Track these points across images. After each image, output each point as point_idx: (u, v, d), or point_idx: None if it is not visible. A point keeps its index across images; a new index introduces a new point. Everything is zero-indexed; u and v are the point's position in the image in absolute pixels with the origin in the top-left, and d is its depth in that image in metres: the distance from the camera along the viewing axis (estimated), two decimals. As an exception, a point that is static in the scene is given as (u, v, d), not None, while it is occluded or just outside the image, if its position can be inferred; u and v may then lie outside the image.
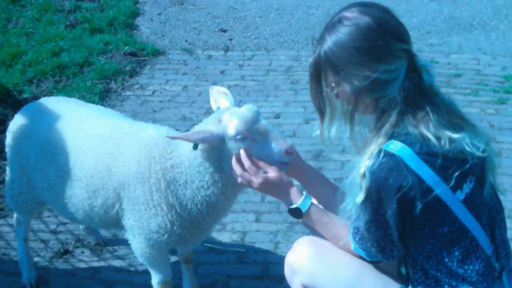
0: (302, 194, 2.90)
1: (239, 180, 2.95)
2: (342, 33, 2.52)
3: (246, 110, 2.97)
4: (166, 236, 3.28)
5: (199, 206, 3.18)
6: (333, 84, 2.59)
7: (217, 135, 2.96)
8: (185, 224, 3.27)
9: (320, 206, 3.03)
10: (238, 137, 2.91)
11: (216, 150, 3.01)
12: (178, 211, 3.23)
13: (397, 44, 2.50)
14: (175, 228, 3.26)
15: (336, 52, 2.52)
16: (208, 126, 3.02)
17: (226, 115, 2.98)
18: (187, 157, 3.13)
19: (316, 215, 2.87)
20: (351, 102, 2.62)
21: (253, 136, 2.92)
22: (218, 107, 3.16)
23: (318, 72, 2.62)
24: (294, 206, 2.89)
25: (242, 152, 2.93)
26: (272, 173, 2.90)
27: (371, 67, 2.48)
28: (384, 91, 2.50)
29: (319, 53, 2.59)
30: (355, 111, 2.65)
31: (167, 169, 3.19)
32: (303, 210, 2.86)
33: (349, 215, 2.64)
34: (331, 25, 2.57)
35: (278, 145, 2.91)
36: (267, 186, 2.92)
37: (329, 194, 3.02)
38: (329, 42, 2.54)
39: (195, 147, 3.05)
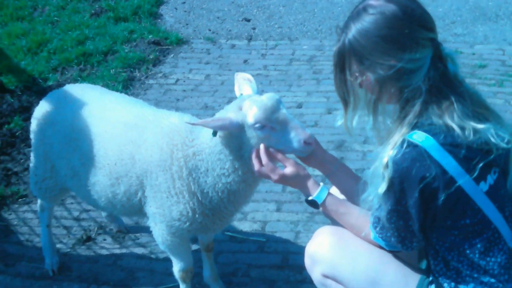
0: (319, 185, 2.91)
1: (257, 174, 2.99)
2: (367, 21, 2.49)
3: (267, 98, 2.97)
4: (187, 223, 3.30)
5: (220, 193, 3.18)
6: (357, 74, 2.58)
7: (236, 123, 2.96)
8: (206, 212, 3.28)
9: (342, 196, 3.03)
10: (257, 125, 2.91)
11: (236, 138, 3.01)
12: (200, 198, 3.23)
13: (422, 32, 2.48)
14: (197, 216, 3.27)
15: (360, 40, 2.50)
16: (228, 113, 3.02)
17: (247, 102, 2.98)
18: (207, 144, 3.14)
19: (333, 206, 2.89)
20: (375, 92, 2.60)
21: (272, 125, 2.91)
22: (241, 94, 3.16)
23: (342, 61, 2.60)
24: (310, 198, 2.91)
25: (261, 146, 2.94)
26: (289, 168, 2.92)
27: (396, 56, 2.46)
28: (408, 80, 2.47)
29: (343, 42, 2.57)
30: (378, 100, 2.63)
31: (189, 156, 3.19)
32: (319, 202, 2.89)
33: (371, 205, 2.63)
34: (356, 13, 2.55)
35: (297, 135, 2.91)
36: (284, 181, 2.96)
37: (352, 184, 3.01)
38: (354, 30, 2.52)
39: (214, 133, 3.06)
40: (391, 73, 2.48)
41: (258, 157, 2.96)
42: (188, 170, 3.20)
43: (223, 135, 3.05)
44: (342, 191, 3.10)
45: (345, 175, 3.10)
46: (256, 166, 2.95)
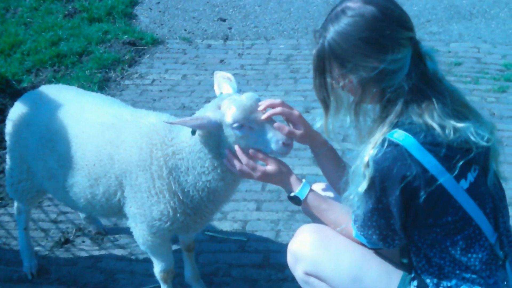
0: (301, 182, 2.92)
1: (238, 174, 2.98)
2: (346, 24, 2.48)
3: (246, 98, 2.95)
4: (168, 223, 3.28)
5: (200, 192, 3.17)
6: (338, 77, 2.57)
7: (214, 122, 2.94)
8: (187, 211, 3.26)
9: (324, 193, 3.03)
10: (235, 125, 2.89)
11: (214, 136, 3.00)
12: (181, 198, 3.22)
13: (403, 32, 2.48)
14: (178, 215, 3.26)
15: (341, 43, 2.49)
16: (207, 112, 3.00)
17: (226, 102, 2.96)
18: (187, 143, 3.13)
19: (315, 202, 2.90)
20: (357, 94, 2.58)
21: (251, 125, 2.90)
22: (221, 93, 3.15)
23: (322, 64, 2.59)
24: (292, 194, 2.92)
25: (237, 148, 2.93)
26: (271, 165, 2.92)
27: (378, 58, 2.45)
28: (391, 80, 2.47)
29: (322, 45, 2.55)
30: (361, 102, 2.61)
31: (168, 155, 3.18)
32: (301, 198, 2.89)
33: (352, 204, 2.63)
34: (334, 16, 2.53)
35: (275, 135, 2.90)
36: (266, 178, 2.96)
37: (332, 169, 3.05)
38: (333, 33, 2.50)
39: (193, 132, 3.05)
40: (374, 75, 2.47)
41: (237, 157, 2.95)
42: (168, 169, 3.18)
43: (202, 134, 3.04)
44: (325, 175, 3.12)
45: (327, 160, 3.09)
46: (237, 165, 2.95)
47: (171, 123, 3.02)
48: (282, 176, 2.93)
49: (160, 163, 3.19)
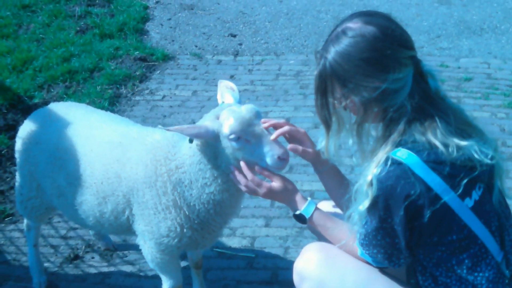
0: (306, 200, 2.91)
1: (244, 189, 2.98)
2: (347, 44, 2.49)
3: (246, 110, 2.95)
4: (176, 240, 3.28)
5: (206, 205, 3.17)
6: (340, 97, 2.57)
7: (212, 132, 2.95)
8: (194, 226, 3.26)
9: (330, 210, 3.03)
10: (232, 136, 2.89)
11: (211, 146, 3.00)
12: (187, 213, 3.22)
13: (404, 51, 2.49)
14: (185, 230, 3.26)
15: (342, 64, 2.50)
16: (205, 121, 3.01)
17: (225, 112, 2.97)
18: (188, 155, 3.13)
19: (320, 221, 2.88)
20: (360, 114, 2.59)
21: (247, 138, 2.90)
22: (223, 102, 3.16)
23: (324, 85, 2.60)
24: (298, 212, 2.91)
25: (242, 164, 2.93)
26: (277, 182, 2.92)
27: (380, 78, 2.46)
28: (393, 100, 2.48)
29: (324, 66, 2.56)
30: (363, 122, 2.61)
31: (172, 170, 3.19)
32: (307, 216, 2.88)
33: (354, 222, 2.63)
34: (335, 37, 2.55)
35: (271, 150, 2.88)
36: (271, 195, 2.96)
37: (335, 186, 3.04)
38: (334, 54, 2.52)
39: (191, 141, 3.06)
40: (375, 95, 2.48)
41: (242, 172, 2.95)
42: (172, 184, 3.19)
43: (200, 143, 3.04)
44: (328, 192, 3.11)
45: (330, 178, 3.08)
46: (242, 181, 2.95)
47: (168, 129, 2.98)
48: (287, 194, 2.93)
49: (164, 179, 3.20)
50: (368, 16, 2.53)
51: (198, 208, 3.20)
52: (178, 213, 3.23)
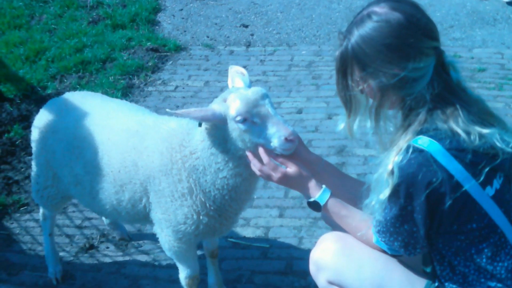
0: (321, 187, 2.87)
1: (258, 173, 2.94)
2: (371, 28, 2.48)
3: (252, 92, 2.94)
4: (193, 227, 3.29)
5: (221, 191, 3.16)
6: (358, 80, 2.57)
7: (219, 115, 2.94)
8: (210, 213, 3.27)
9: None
10: (238, 118, 2.88)
11: (220, 130, 3.00)
12: (203, 199, 3.22)
13: (427, 41, 2.47)
14: (201, 217, 3.26)
15: (364, 48, 2.50)
16: (213, 105, 3.01)
17: (232, 95, 2.96)
18: (199, 140, 3.14)
19: (335, 208, 2.84)
20: (376, 98, 2.59)
21: (253, 119, 2.88)
22: (233, 86, 3.15)
23: (344, 67, 2.60)
24: (312, 199, 2.87)
25: (260, 148, 2.91)
26: (292, 167, 2.88)
27: (400, 65, 2.45)
28: (411, 88, 2.48)
29: (346, 47, 2.56)
30: (380, 107, 2.61)
31: (186, 156, 3.19)
32: (321, 204, 2.84)
33: (373, 211, 2.62)
34: (360, 20, 2.54)
35: (278, 131, 2.85)
36: (286, 181, 2.91)
37: (337, 183, 3.01)
38: (357, 36, 2.51)
39: (200, 124, 3.06)
40: (394, 82, 2.48)
41: (257, 156, 2.93)
42: (187, 171, 3.20)
43: (209, 127, 3.05)
44: (335, 189, 3.05)
45: (330, 176, 3.07)
46: (256, 165, 2.92)
47: (175, 113, 2.95)
48: (302, 180, 2.88)
49: (179, 166, 3.21)
50: (396, 2, 2.52)
51: (214, 194, 3.19)
52: (194, 200, 3.23)
